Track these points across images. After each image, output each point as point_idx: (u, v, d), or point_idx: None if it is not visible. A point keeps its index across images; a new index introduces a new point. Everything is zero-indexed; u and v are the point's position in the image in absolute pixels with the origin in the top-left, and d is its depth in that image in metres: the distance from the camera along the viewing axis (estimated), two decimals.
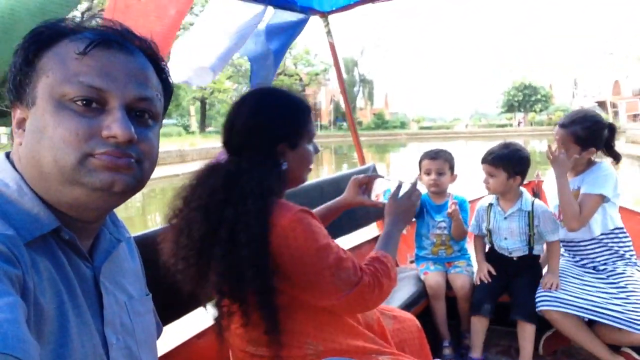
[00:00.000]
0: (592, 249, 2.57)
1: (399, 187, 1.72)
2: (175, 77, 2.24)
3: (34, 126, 0.79)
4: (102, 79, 0.79)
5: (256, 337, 1.43)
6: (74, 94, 0.78)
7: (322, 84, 57.16)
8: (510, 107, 61.08)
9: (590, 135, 2.44)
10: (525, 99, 59.67)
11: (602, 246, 2.55)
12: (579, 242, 2.61)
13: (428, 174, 2.87)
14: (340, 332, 1.51)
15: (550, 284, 2.46)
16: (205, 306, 1.50)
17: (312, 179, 2.19)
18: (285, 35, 2.70)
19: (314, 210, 1.91)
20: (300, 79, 48.75)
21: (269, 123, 1.45)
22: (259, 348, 1.45)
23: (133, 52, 0.86)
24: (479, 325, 2.63)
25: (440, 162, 2.85)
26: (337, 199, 1.95)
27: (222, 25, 2.32)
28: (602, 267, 2.54)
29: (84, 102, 0.79)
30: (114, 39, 0.83)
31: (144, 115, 0.87)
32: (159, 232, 1.50)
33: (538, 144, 32.74)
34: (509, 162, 2.57)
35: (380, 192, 1.83)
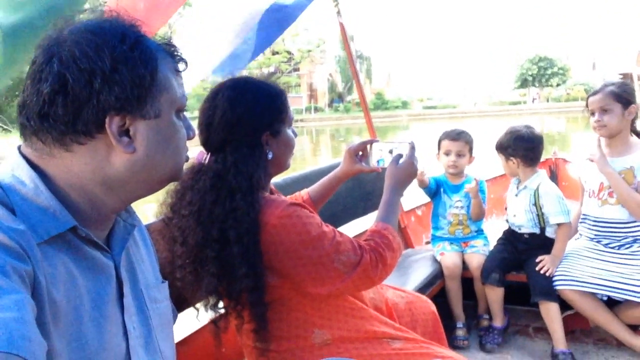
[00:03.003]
0: (625, 231, 2.76)
1: (399, 153, 1.82)
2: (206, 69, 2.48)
3: (160, 136, 0.95)
4: (183, 87, 1.02)
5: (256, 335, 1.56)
6: (183, 106, 1.00)
7: (317, 62, 56.98)
8: (523, 82, 60.34)
9: (626, 91, 2.67)
10: (540, 73, 59.16)
11: (639, 229, 2.75)
12: (614, 222, 2.78)
13: (447, 154, 3.13)
14: (349, 317, 1.63)
15: (547, 269, 2.72)
16: (196, 308, 1.63)
17: (305, 167, 2.26)
18: (285, 16, 2.90)
19: (312, 187, 2.11)
20: (290, 58, 48.50)
21: (251, 113, 1.52)
22: (265, 343, 1.57)
23: None
24: (492, 295, 2.95)
25: (461, 143, 3.12)
26: (334, 171, 2.06)
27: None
28: (628, 247, 2.75)
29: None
30: (181, 56, 1.03)
31: None
32: (151, 228, 1.59)
33: (555, 122, 32.74)
34: (501, 146, 2.97)
35: (377, 156, 1.92)
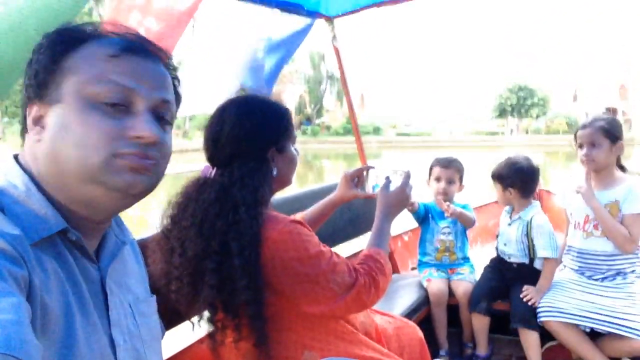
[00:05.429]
0: (609, 264, 3.00)
1: (388, 179, 1.99)
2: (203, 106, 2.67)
3: (58, 123, 0.93)
4: (132, 79, 0.97)
5: (252, 351, 1.64)
6: (104, 94, 0.94)
7: (286, 81, 57.06)
8: (502, 112, 60.76)
9: (615, 127, 2.94)
10: (519, 103, 59.85)
11: (624, 261, 2.98)
12: (598, 255, 3.02)
13: (438, 181, 3.39)
14: (339, 340, 1.74)
15: (530, 298, 2.96)
16: (192, 322, 1.73)
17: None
18: (288, 43, 3.17)
19: (307, 211, 2.28)
20: None
21: (259, 129, 1.66)
22: None
23: (155, 59, 1.04)
24: (478, 323, 3.19)
25: (452, 171, 3.39)
26: (330, 196, 2.24)
27: (235, 38, 2.81)
28: (611, 279, 2.99)
29: (112, 103, 0.95)
30: (145, 48, 1.02)
31: (163, 119, 1.05)
32: (150, 239, 1.72)
33: (534, 155, 33.28)
34: (500, 176, 3.21)
35: (373, 183, 2.09)
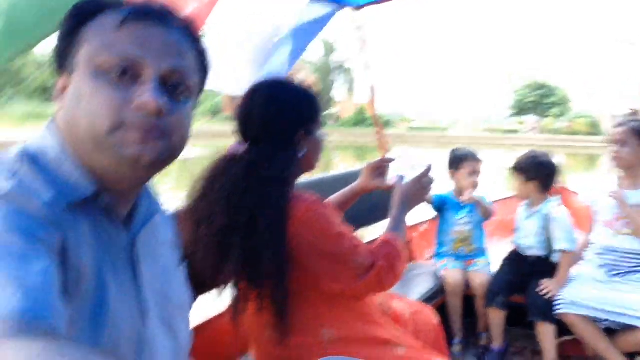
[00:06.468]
0: (635, 262, 3.11)
1: (409, 171, 2.07)
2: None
3: (73, 93, 0.96)
4: (137, 47, 0.96)
5: (272, 322, 1.72)
6: (110, 63, 0.94)
7: (294, 71, 56.68)
8: (520, 110, 60.65)
9: None
10: (539, 101, 59.57)
11: None
12: (626, 252, 3.13)
13: (473, 174, 3.54)
14: (357, 319, 1.83)
15: (548, 290, 3.08)
16: (216, 292, 1.82)
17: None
18: (310, 30, 3.29)
19: (329, 199, 2.38)
20: None
21: (289, 110, 1.74)
22: (280, 332, 1.72)
23: (171, 27, 1.02)
24: (495, 317, 3.31)
25: (481, 164, 3.57)
26: (352, 185, 2.34)
27: (258, 24, 2.93)
28: (632, 275, 3.09)
29: (119, 72, 0.95)
30: (152, 13, 1.00)
31: (177, 89, 1.02)
32: (178, 212, 1.78)
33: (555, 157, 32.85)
34: (521, 169, 3.35)
35: (395, 174, 2.14)
